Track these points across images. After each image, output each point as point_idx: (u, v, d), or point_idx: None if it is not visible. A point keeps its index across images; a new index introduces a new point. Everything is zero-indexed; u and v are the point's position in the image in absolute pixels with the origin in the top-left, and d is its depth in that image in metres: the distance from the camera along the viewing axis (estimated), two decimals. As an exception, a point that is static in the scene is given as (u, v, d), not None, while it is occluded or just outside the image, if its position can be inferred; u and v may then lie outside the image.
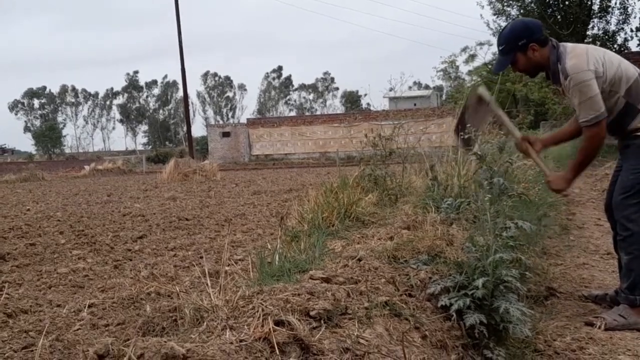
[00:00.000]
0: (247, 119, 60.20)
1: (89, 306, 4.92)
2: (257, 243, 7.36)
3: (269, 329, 2.30)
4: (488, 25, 36.10)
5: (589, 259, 6.19)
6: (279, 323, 2.38)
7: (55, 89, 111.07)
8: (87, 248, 8.25)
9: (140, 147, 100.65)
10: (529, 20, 4.68)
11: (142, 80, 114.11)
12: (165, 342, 2.02)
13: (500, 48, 4.54)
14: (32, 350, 3.76)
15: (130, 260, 7.34)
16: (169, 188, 21.53)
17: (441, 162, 6.07)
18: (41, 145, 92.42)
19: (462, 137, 4.52)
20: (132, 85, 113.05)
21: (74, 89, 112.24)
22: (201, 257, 6.93)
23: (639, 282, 4.26)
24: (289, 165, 44.64)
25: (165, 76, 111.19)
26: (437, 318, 3.05)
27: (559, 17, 32.95)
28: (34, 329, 4.34)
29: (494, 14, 35.70)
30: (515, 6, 34.30)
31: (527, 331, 3.06)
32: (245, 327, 2.36)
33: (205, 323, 2.47)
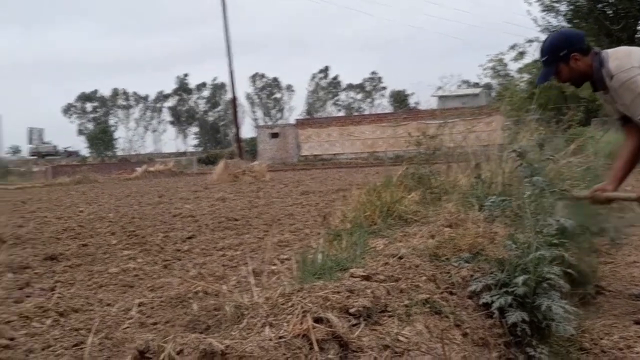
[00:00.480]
0: (296, 120, 60.55)
1: (138, 305, 5.01)
2: (304, 242, 7.39)
3: (308, 325, 2.32)
4: (536, 22, 35.54)
5: (638, 258, 6.08)
6: (317, 320, 2.40)
7: (107, 93, 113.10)
8: (138, 248, 8.38)
9: (190, 149, 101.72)
10: (569, 31, 4.70)
11: (192, 82, 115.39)
12: (204, 338, 2.06)
13: (543, 59, 4.54)
14: (82, 348, 3.85)
15: (179, 260, 7.44)
16: (219, 189, 21.73)
17: (488, 160, 6.03)
18: (94, 148, 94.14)
19: None
20: (182, 87, 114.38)
21: (125, 92, 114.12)
22: (249, 257, 7.00)
23: None
24: (338, 166, 44.64)
25: (215, 78, 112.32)
26: (479, 316, 3.05)
27: (609, 12, 32.32)
28: (84, 327, 4.43)
29: (543, 10, 35.13)
30: (564, 2, 33.71)
31: (571, 329, 3.03)
32: (285, 324, 2.38)
33: (245, 320, 2.51)
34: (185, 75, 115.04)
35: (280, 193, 18.19)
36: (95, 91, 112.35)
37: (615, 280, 5.25)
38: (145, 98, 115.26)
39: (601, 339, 3.80)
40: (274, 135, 56.35)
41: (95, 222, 11.84)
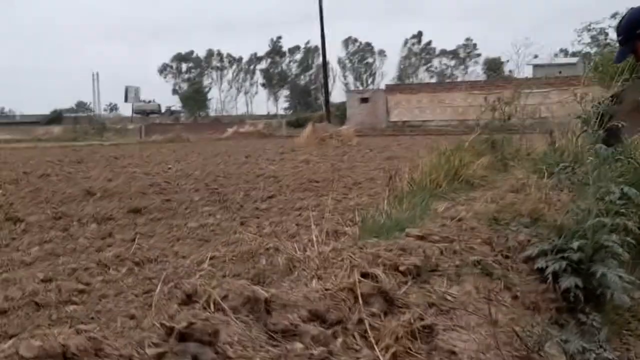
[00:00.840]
0: (386, 85, 60.22)
1: (211, 258, 5.18)
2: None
3: (355, 280, 2.38)
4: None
5: None
6: (365, 275, 2.46)
7: (201, 54, 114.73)
8: (218, 205, 8.64)
9: (281, 112, 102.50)
10: None
11: (285, 45, 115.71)
12: (249, 285, 2.14)
13: (619, 38, 4.48)
14: (151, 296, 4.02)
15: (257, 218, 7.63)
16: (305, 151, 21.92)
17: (566, 129, 5.90)
18: (187, 108, 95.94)
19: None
20: (275, 50, 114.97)
21: (219, 53, 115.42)
22: (322, 218, 7.07)
23: None
24: (427, 133, 44.24)
25: (308, 42, 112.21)
26: (532, 280, 3.04)
27: None
28: (157, 276, 4.62)
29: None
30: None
31: (627, 299, 2.99)
32: (333, 277, 2.45)
33: (296, 272, 2.59)
34: (279, 37, 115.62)
35: (365, 157, 18.22)
36: (191, 52, 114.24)
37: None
38: (239, 60, 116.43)
39: (665, 311, 3.72)
40: (364, 100, 56.17)
41: (181, 179, 12.21)
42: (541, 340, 2.51)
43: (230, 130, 43.84)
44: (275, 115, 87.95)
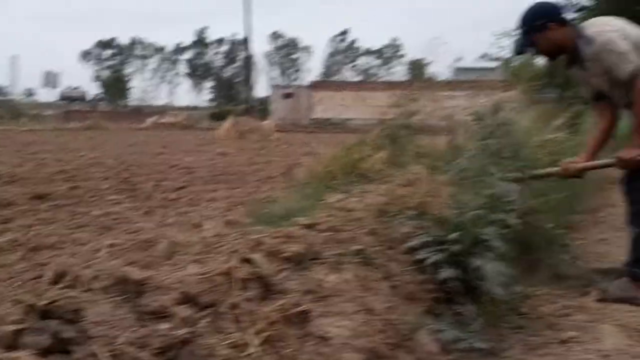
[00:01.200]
0: (311, 82, 60.31)
1: (109, 246, 5.11)
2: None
3: (232, 265, 2.41)
4: (558, -4, 35.08)
5: (611, 235, 6.13)
6: (245, 261, 2.50)
7: (125, 41, 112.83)
8: (126, 194, 8.51)
9: (204, 104, 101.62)
10: (546, 2, 4.56)
11: (211, 37, 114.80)
12: (121, 266, 2.15)
13: (520, 30, 4.48)
14: (39, 282, 3.96)
15: (165, 208, 7.55)
16: (224, 145, 21.80)
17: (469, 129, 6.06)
18: (108, 96, 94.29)
19: None
20: (200, 41, 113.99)
21: (142, 41, 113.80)
22: (230, 210, 7.08)
23: None
24: (349, 130, 44.55)
25: (234, 34, 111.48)
26: (412, 270, 3.13)
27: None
28: (50, 262, 4.54)
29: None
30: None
31: (501, 290, 3.11)
32: (212, 262, 2.48)
33: (176, 256, 2.61)
34: (204, 28, 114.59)
35: (283, 152, 18.24)
36: (113, 39, 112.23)
37: (582, 255, 5.30)
38: (163, 49, 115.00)
39: (542, 306, 3.88)
40: (287, 96, 56.18)
41: (92, 167, 11.99)
42: (413, 328, 2.60)
43: (150, 120, 43.25)
44: (197, 107, 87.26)
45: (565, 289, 4.34)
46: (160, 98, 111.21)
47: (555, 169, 4.82)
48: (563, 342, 3.38)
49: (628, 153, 4.28)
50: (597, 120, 4.75)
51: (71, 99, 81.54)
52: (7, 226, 5.96)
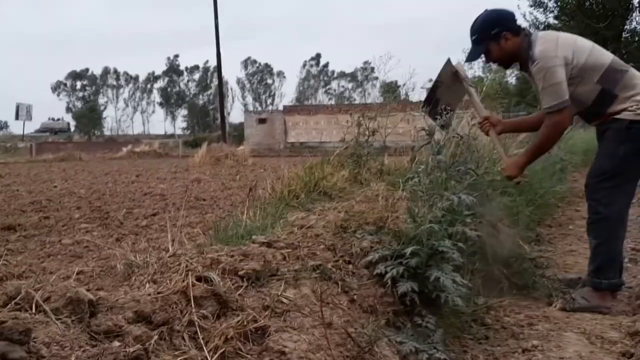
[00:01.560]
0: (284, 107, 60.50)
1: (78, 273, 5.08)
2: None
3: (188, 283, 2.43)
4: (524, 16, 35.51)
5: (579, 247, 6.21)
6: (200, 279, 2.52)
7: (97, 71, 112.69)
8: (98, 222, 8.47)
9: (179, 132, 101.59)
10: (501, 10, 4.56)
11: (183, 64, 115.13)
12: (73, 286, 2.16)
13: (473, 38, 4.50)
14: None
15: (136, 234, 7.52)
16: (199, 171, 21.75)
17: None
18: (81, 126, 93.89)
19: (430, 113, 4.59)
20: (173, 69, 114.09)
21: (115, 71, 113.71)
22: (202, 234, 7.04)
23: (604, 266, 4.30)
24: (324, 154, 44.55)
25: (207, 61, 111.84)
26: (371, 284, 3.16)
27: (596, 9, 32.44)
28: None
29: (531, 6, 35.14)
30: (552, -3, 33.77)
31: (460, 301, 3.13)
32: (168, 281, 2.49)
33: (134, 277, 2.62)
34: (176, 56, 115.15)
35: (258, 177, 18.22)
36: (87, 69, 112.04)
37: (550, 267, 5.36)
38: (136, 78, 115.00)
39: (506, 316, 3.93)
40: (262, 121, 56.24)
41: (64, 197, 11.91)
42: (372, 340, 2.62)
43: (125, 150, 43.04)
44: (172, 135, 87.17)
45: (531, 300, 4.40)
46: (135, 127, 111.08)
47: (484, 112, 4.88)
48: (526, 350, 3.42)
49: (508, 169, 4.56)
50: (537, 112, 4.86)
51: (54, 130, 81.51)
52: (-26, 257, 5.90)
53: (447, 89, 4.82)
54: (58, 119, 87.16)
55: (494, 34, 4.41)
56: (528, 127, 4.97)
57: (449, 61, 4.81)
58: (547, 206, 7.71)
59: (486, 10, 4.55)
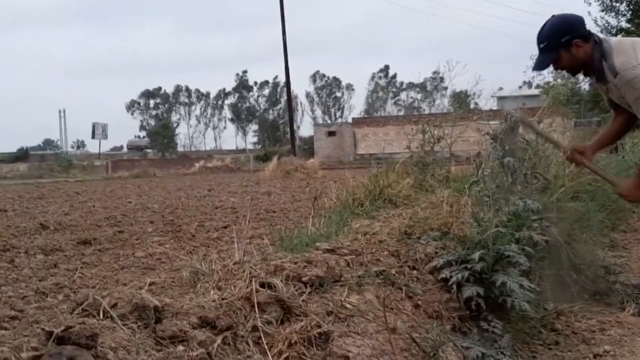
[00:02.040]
0: (353, 119, 60.65)
1: (150, 284, 5.18)
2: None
3: (252, 289, 2.46)
4: (596, 22, 34.67)
5: (654, 253, 6.05)
6: (264, 285, 2.54)
7: (169, 89, 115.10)
8: (170, 235, 8.61)
9: (250, 146, 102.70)
10: (570, 15, 4.35)
11: (252, 80, 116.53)
12: (138, 294, 2.21)
13: (542, 46, 4.29)
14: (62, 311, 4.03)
15: (207, 246, 7.62)
16: (269, 184, 21.92)
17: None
18: (155, 144, 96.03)
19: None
20: (243, 85, 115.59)
21: (187, 89, 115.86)
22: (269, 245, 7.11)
23: None
24: (390, 163, 44.39)
25: (276, 77, 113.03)
26: (436, 289, 3.14)
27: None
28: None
29: (602, 10, 34.30)
30: (624, 1, 32.87)
31: (527, 305, 3.08)
32: (232, 287, 2.53)
33: (199, 284, 2.66)
34: (245, 72, 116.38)
35: (327, 189, 18.25)
36: (159, 88, 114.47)
37: (625, 273, 5.22)
38: (207, 95, 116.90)
39: (577, 322, 3.84)
40: (331, 134, 56.51)
41: (138, 212, 12.16)
42: (437, 345, 2.60)
43: (197, 165, 43.76)
44: (243, 150, 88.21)
45: (603, 305, 4.29)
46: (207, 143, 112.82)
47: (566, 144, 4.76)
48: (597, 356, 3.34)
49: (628, 189, 4.32)
50: (611, 120, 4.71)
51: (140, 147, 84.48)
52: (52, 271, 6.07)
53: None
54: (143, 137, 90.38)
55: (564, 42, 4.20)
56: (611, 139, 4.78)
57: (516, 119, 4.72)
58: (621, 211, 7.51)
59: (554, 16, 4.37)
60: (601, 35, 4.41)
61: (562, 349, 3.44)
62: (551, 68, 4.60)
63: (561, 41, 4.23)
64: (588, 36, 4.27)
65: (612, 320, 3.91)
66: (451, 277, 3.11)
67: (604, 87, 4.35)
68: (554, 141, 4.77)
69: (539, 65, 4.48)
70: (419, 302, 2.97)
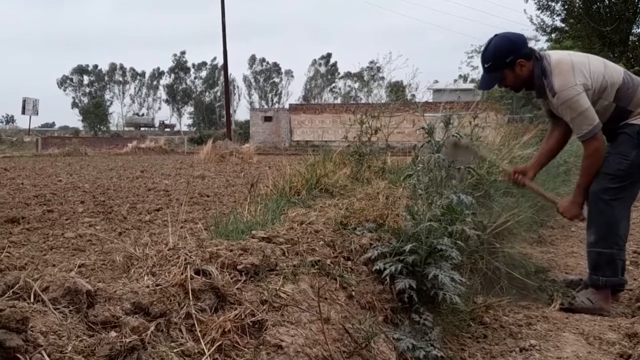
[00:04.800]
0: (290, 105, 60.54)
1: (80, 266, 5.10)
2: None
3: (186, 276, 2.44)
4: (531, 20, 35.39)
5: (580, 249, 6.20)
6: (199, 272, 2.53)
7: (104, 67, 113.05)
8: (101, 216, 8.49)
9: (184, 128, 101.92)
10: (513, 35, 4.51)
11: (190, 62, 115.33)
12: (71, 277, 2.17)
13: (486, 66, 4.46)
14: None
15: (139, 229, 7.54)
16: (203, 168, 21.80)
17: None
18: (88, 122, 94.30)
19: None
20: (180, 66, 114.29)
21: (122, 67, 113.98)
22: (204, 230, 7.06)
23: (602, 263, 4.32)
24: (327, 152, 44.53)
25: (214, 59, 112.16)
26: (370, 281, 3.17)
27: (603, 13, 32.28)
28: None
29: (538, 9, 35.00)
30: (559, 1, 33.61)
31: (457, 299, 3.14)
32: (166, 274, 2.51)
33: (133, 270, 2.63)
34: (183, 53, 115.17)
35: (262, 174, 18.21)
36: (94, 65, 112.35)
37: (551, 269, 5.36)
38: (142, 74, 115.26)
39: (505, 315, 3.94)
40: (267, 119, 56.35)
41: (68, 191, 11.94)
42: (369, 336, 2.63)
43: (130, 145, 43.07)
44: (178, 132, 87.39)
45: (530, 300, 4.40)
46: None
47: (508, 167, 4.92)
48: (524, 349, 3.43)
49: (566, 207, 4.58)
50: (548, 136, 4.85)
51: (138, 125, 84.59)
52: (-23, 250, 5.92)
53: (454, 155, 4.79)
54: (142, 114, 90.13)
55: (508, 62, 4.37)
56: (549, 157, 4.91)
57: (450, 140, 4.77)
58: (549, 208, 7.70)
59: (497, 36, 4.45)
60: (542, 52, 4.53)
61: (489, 342, 3.53)
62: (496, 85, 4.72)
63: (505, 61, 4.38)
64: (530, 54, 4.40)
65: (539, 315, 4.02)
66: (385, 269, 3.15)
67: (546, 102, 4.47)
68: (501, 168, 4.92)
69: (485, 85, 4.59)
70: (353, 293, 3.00)
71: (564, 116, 4.31)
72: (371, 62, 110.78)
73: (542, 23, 34.34)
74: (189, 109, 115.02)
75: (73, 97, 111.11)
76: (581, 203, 4.51)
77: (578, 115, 4.18)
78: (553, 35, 34.80)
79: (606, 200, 4.31)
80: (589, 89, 4.20)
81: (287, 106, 68.06)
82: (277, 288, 2.64)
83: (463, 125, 5.37)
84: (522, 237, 5.22)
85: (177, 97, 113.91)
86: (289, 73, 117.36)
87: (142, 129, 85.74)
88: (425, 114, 4.90)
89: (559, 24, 34.34)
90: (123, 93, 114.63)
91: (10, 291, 2.12)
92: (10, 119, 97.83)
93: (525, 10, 56.35)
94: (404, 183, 4.42)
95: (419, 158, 5.40)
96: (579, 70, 4.24)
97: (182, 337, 2.21)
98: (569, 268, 5.48)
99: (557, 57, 4.41)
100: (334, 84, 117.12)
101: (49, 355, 1.80)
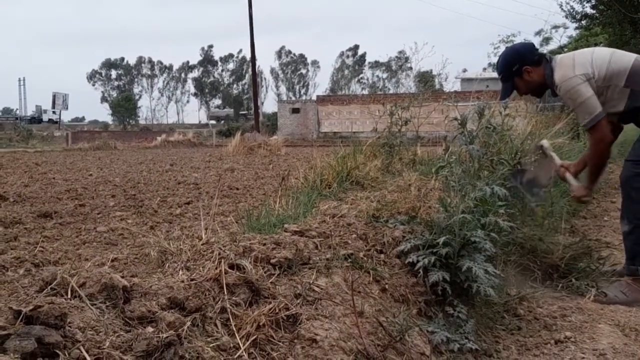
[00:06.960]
0: (317, 96, 60.45)
1: (113, 260, 5.15)
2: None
3: (221, 270, 2.45)
4: (561, 7, 34.98)
5: (613, 239, 6.13)
6: (233, 267, 2.53)
7: (132, 61, 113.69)
8: (132, 210, 8.55)
9: (212, 121, 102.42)
10: (519, 45, 4.87)
11: (217, 55, 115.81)
12: (107, 273, 2.19)
13: (500, 77, 4.71)
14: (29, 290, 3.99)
15: (170, 222, 7.58)
16: (232, 160, 21.86)
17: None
18: (117, 116, 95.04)
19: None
20: (207, 59, 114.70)
21: (150, 60, 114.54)
22: (235, 223, 7.09)
23: (638, 252, 4.27)
24: (356, 144, 44.45)
25: (240, 51, 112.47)
26: (403, 273, 3.16)
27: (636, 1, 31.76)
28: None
29: (568, -4, 34.51)
30: (590, -12, 33.10)
31: (491, 291, 3.12)
32: (201, 268, 2.52)
33: (167, 264, 2.65)
34: (210, 46, 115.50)
35: (290, 166, 18.25)
36: (121, 58, 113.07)
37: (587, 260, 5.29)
38: (170, 68, 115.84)
39: (539, 307, 3.90)
40: (295, 111, 56.37)
41: (99, 185, 12.05)
42: (403, 329, 2.62)
43: (159, 139, 43.35)
44: (206, 125, 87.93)
45: (565, 292, 4.36)
46: (169, 117, 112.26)
47: (545, 142, 5.03)
48: (559, 342, 3.40)
49: (578, 191, 4.73)
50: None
51: (220, 118, 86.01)
52: (12, 244, 5.99)
53: (538, 167, 4.97)
54: (224, 107, 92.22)
55: (515, 70, 4.60)
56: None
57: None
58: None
59: (506, 48, 4.84)
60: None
61: (524, 335, 3.50)
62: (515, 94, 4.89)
63: (512, 70, 4.62)
64: (539, 60, 4.54)
65: (573, 307, 3.98)
66: (418, 261, 3.14)
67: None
68: (549, 154, 4.98)
69: (502, 95, 4.94)
70: (386, 286, 2.99)
71: (568, 106, 4.41)
72: (400, 52, 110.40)
73: (572, 10, 33.87)
74: (217, 101, 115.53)
75: (102, 92, 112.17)
76: (591, 188, 4.67)
77: (579, 105, 4.28)
78: (583, 22, 34.33)
79: (637, 188, 4.27)
80: (591, 78, 4.28)
81: (314, 97, 68.00)
82: (311, 282, 2.64)
83: (493, 114, 5.34)
84: (554, 227, 5.16)
85: (204, 90, 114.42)
86: (315, 64, 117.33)
87: (221, 121, 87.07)
88: (457, 104, 4.97)
89: (589, 10, 33.84)
90: (151, 87, 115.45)
91: (49, 287, 2.14)
92: (40, 114, 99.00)
93: (555, -4, 55.45)
94: (436, 175, 4.40)
95: (450, 149, 5.41)
96: (580, 63, 4.35)
97: (217, 332, 2.22)
98: (603, 259, 5.41)
99: (562, 55, 4.61)
100: (361, 75, 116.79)
101: (87, 351, 1.82)
